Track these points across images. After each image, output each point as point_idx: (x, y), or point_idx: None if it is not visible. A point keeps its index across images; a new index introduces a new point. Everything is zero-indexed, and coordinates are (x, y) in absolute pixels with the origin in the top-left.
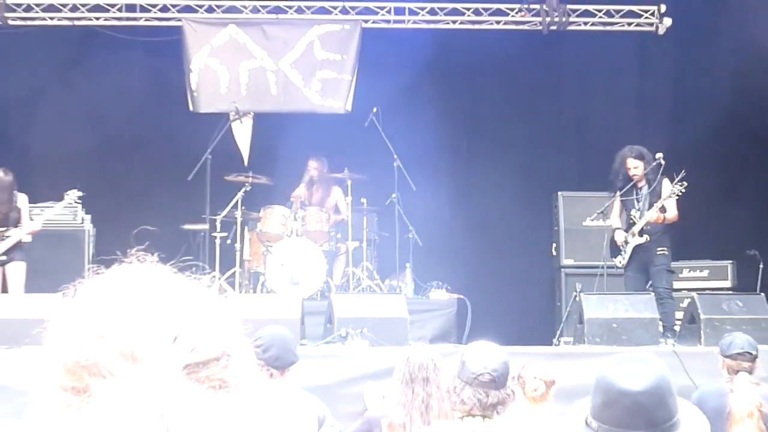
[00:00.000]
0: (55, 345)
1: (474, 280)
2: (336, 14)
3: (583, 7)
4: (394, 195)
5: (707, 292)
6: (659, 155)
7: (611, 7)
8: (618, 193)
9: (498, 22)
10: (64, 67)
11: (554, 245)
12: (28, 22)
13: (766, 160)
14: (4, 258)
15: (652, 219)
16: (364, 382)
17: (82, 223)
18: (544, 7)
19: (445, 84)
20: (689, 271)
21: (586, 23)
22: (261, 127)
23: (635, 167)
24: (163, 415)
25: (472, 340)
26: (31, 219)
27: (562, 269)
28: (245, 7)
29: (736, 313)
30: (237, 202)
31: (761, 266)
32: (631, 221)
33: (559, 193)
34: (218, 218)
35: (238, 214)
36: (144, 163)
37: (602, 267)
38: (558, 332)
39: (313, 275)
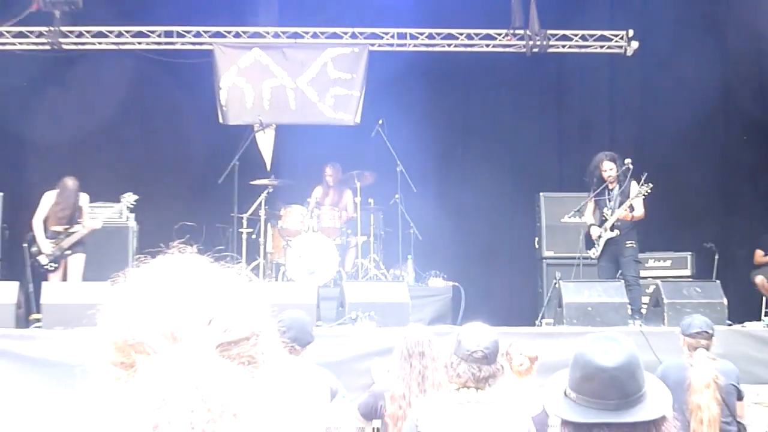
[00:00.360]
0: (107, 326)
1: (467, 270)
2: (346, 39)
3: (561, 32)
4: (397, 196)
5: (670, 279)
6: (628, 161)
7: (585, 32)
8: (592, 194)
9: (487, 45)
10: (111, 86)
11: (536, 239)
12: (80, 47)
13: (722, 166)
14: (68, 252)
15: (621, 216)
16: (372, 358)
17: (127, 220)
18: (528, 32)
19: (441, 99)
20: (654, 261)
21: (563, 46)
22: (281, 137)
23: (609, 169)
24: (198, 388)
25: (466, 322)
26: (92, 217)
27: (544, 260)
28: (268, 33)
29: (694, 297)
30: (261, 202)
31: (716, 257)
32: (604, 218)
33: (541, 193)
34: (245, 216)
35: (262, 212)
36: (180, 168)
37: (578, 258)
38: (540, 315)
39: (327, 266)
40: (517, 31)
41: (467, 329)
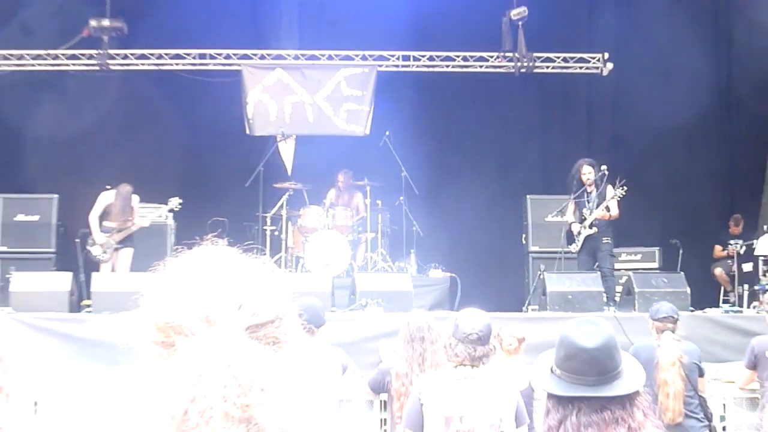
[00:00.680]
0: (149, 309)
1: (463, 263)
2: (357, 60)
3: (545, 55)
4: (401, 198)
5: (640, 271)
6: (604, 167)
7: (567, 55)
8: (572, 197)
9: (481, 66)
10: (151, 102)
11: (524, 236)
12: (125, 68)
13: (686, 173)
14: (119, 245)
15: (599, 215)
16: (379, 339)
17: (166, 219)
18: (516, 54)
19: (440, 113)
20: (626, 255)
21: (547, 67)
22: (301, 146)
23: (588, 173)
24: (230, 365)
25: (462, 308)
26: (141, 216)
27: (530, 254)
28: (289, 55)
29: (662, 287)
30: (283, 203)
31: (681, 252)
32: (583, 217)
33: (527, 196)
34: (269, 215)
35: (284, 212)
36: (212, 173)
37: (560, 252)
38: (527, 302)
39: (341, 259)
40: (506, 54)
41: (463, 314)
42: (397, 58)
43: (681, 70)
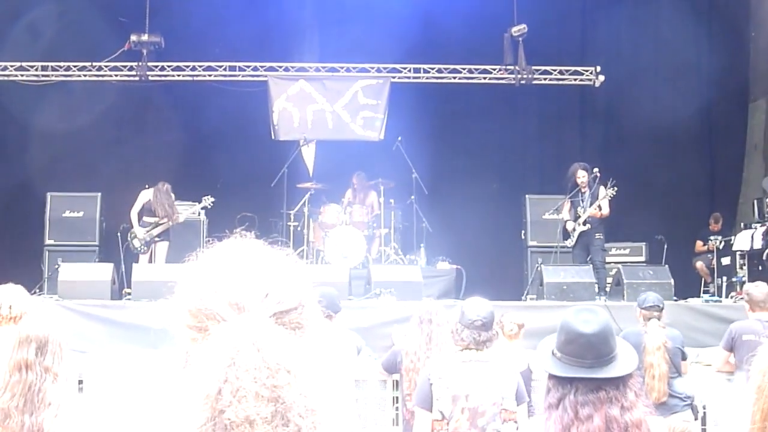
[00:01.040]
0: (184, 295)
1: (468, 256)
2: (373, 72)
3: (543, 68)
4: (412, 197)
5: (629, 264)
6: (596, 169)
7: (562, 68)
8: (568, 196)
9: (484, 78)
10: (186, 109)
11: (523, 232)
12: (162, 78)
13: (670, 174)
14: (157, 239)
15: (592, 213)
16: (392, 325)
17: (199, 215)
18: (516, 67)
19: (448, 120)
20: (616, 250)
21: (545, 78)
22: (321, 150)
23: (582, 176)
24: (259, 350)
25: (467, 297)
26: (177, 213)
27: (529, 248)
28: (311, 68)
29: (648, 279)
30: (305, 201)
31: (665, 247)
32: (578, 215)
33: (527, 195)
34: (292, 212)
35: (306, 209)
36: (241, 174)
37: (557, 247)
38: (526, 291)
39: (357, 252)
40: (508, 67)
41: (469, 303)
42: (409, 71)
43: (666, 82)
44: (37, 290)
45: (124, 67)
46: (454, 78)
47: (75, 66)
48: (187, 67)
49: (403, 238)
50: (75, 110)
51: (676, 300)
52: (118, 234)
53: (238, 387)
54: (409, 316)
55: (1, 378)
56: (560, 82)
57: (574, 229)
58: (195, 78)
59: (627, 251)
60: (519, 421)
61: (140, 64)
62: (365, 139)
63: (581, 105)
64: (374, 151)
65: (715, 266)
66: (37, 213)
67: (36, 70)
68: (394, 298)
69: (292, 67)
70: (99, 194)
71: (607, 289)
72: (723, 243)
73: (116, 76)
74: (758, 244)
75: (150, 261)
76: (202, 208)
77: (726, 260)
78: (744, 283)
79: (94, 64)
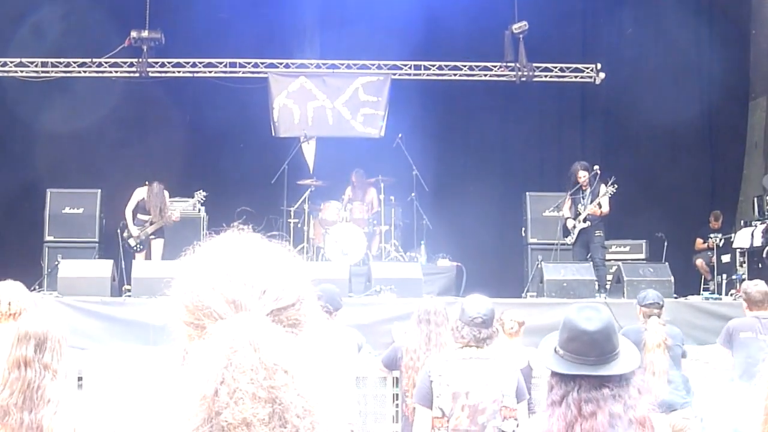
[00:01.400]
0: (181, 290)
1: (468, 253)
2: (373, 69)
3: (544, 65)
4: (413, 194)
5: (629, 261)
6: (596, 167)
7: (563, 65)
8: (568, 194)
9: (485, 75)
10: (185, 105)
11: (523, 229)
12: (162, 75)
13: (671, 173)
14: (152, 236)
15: (592, 211)
16: (392, 322)
17: (199, 212)
18: (517, 64)
19: (448, 117)
20: (616, 247)
21: (546, 76)
22: (321, 147)
23: (583, 175)
24: (256, 350)
25: (467, 294)
26: (171, 210)
27: (529, 245)
28: (311, 64)
29: (648, 276)
30: (305, 198)
31: (665, 244)
32: (578, 212)
33: (527, 193)
34: (292, 209)
35: (306, 206)
36: (241, 171)
37: (557, 244)
38: (526, 289)
39: (357, 249)
40: (508, 64)
41: (469, 300)
42: (410, 68)
43: (667, 80)
44: (37, 287)
45: (125, 63)
46: (455, 75)
47: (75, 62)
48: (188, 63)
49: (404, 235)
50: (76, 107)
51: (676, 297)
52: (118, 231)
53: (235, 388)
54: (410, 313)
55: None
56: (561, 80)
57: (574, 227)
58: (195, 74)
59: (627, 248)
60: (519, 419)
61: (140, 60)
62: (366, 136)
63: (582, 102)
64: (375, 148)
65: (715, 264)
66: (37, 209)
67: (36, 66)
68: (394, 295)
69: (293, 64)
70: (99, 191)
71: (608, 287)
72: (723, 240)
73: (116, 72)
74: (758, 242)
75: (146, 259)
76: (198, 201)
77: (726, 258)
78: (744, 280)
79: (95, 60)
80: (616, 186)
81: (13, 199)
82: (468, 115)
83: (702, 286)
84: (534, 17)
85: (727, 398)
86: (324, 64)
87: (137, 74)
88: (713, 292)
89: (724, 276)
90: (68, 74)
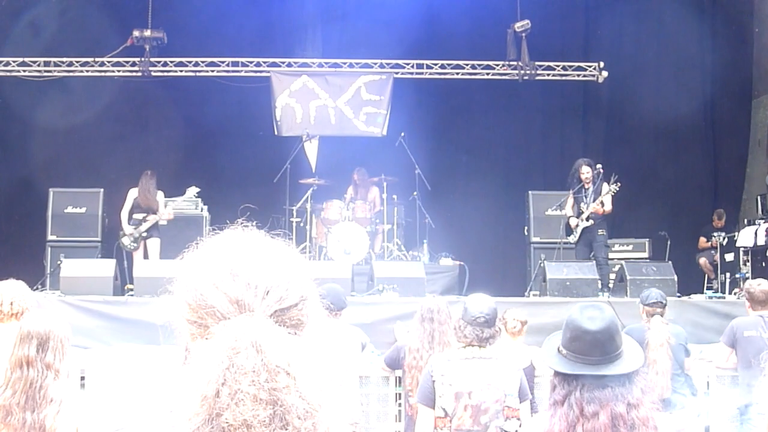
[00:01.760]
0: (184, 288)
1: (471, 252)
2: (376, 68)
3: (546, 63)
4: (415, 193)
5: (632, 260)
6: (599, 166)
7: (565, 63)
8: (571, 192)
9: (487, 74)
10: (187, 105)
11: (526, 228)
12: (164, 74)
13: (674, 172)
14: (145, 234)
15: (594, 209)
16: (395, 321)
17: (201, 211)
18: (520, 63)
19: (450, 116)
20: (619, 246)
21: (548, 74)
22: (324, 146)
23: (586, 172)
24: (258, 352)
25: (470, 293)
26: (164, 207)
27: (532, 244)
28: (313, 63)
29: (651, 275)
30: (307, 197)
31: (669, 243)
32: (581, 211)
33: (530, 192)
34: (295, 208)
35: (308, 205)
36: (244, 170)
37: (560, 243)
38: (529, 288)
39: (360, 248)
40: (511, 63)
41: (472, 299)
42: (412, 66)
43: (669, 78)
44: (39, 286)
45: (127, 62)
46: (457, 74)
47: (77, 61)
48: (190, 62)
49: (406, 234)
50: (78, 106)
51: (679, 296)
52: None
53: (237, 390)
54: (412, 312)
55: (2, 375)
56: (563, 78)
57: (577, 225)
58: (198, 74)
59: (630, 247)
60: (522, 418)
61: (143, 59)
62: (368, 135)
63: (584, 101)
64: (377, 146)
65: (719, 262)
66: (40, 209)
67: (38, 65)
68: (396, 295)
69: (295, 63)
70: (101, 190)
71: (610, 286)
72: (726, 239)
73: (119, 71)
74: (761, 241)
75: (144, 257)
76: (196, 195)
77: (729, 256)
78: (747, 279)
79: (97, 59)
80: (618, 184)
81: (15, 198)
82: (470, 114)
83: (705, 285)
84: (536, 15)
85: (731, 398)
86: (326, 63)
87: (140, 73)
88: (717, 291)
89: (728, 275)
90: (70, 74)
